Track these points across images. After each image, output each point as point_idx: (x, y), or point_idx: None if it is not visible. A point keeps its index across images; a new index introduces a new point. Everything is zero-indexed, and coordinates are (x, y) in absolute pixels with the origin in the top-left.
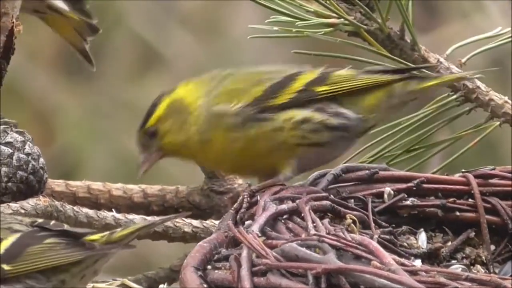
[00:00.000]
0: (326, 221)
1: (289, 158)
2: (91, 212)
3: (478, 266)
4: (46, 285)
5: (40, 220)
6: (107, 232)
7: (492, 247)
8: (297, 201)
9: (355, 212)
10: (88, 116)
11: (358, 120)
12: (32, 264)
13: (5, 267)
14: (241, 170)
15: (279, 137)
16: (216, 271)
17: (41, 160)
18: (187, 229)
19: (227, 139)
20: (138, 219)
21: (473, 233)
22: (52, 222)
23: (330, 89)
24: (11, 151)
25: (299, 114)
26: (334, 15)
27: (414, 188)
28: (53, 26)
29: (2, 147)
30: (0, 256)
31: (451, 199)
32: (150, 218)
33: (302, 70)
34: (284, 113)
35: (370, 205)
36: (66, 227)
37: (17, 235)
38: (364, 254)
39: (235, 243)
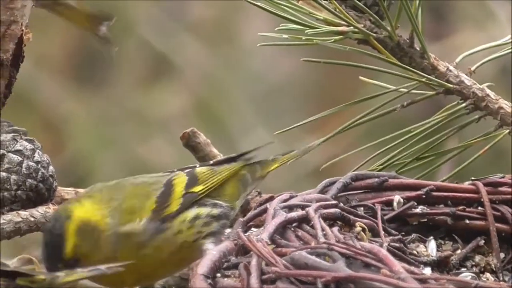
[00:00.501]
0: (335, 229)
1: (192, 254)
2: None
3: (488, 274)
4: None
5: None
6: (49, 276)
7: (502, 255)
8: (307, 208)
9: (364, 220)
10: (98, 124)
11: (228, 208)
12: None
13: None
14: (151, 277)
15: (179, 239)
16: (226, 279)
17: (51, 168)
18: None
19: (137, 254)
20: None
21: (483, 241)
22: None
23: (205, 187)
24: (20, 159)
25: (189, 213)
26: (344, 23)
27: (424, 196)
28: (66, 18)
29: (12, 155)
30: None
31: (460, 207)
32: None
33: (171, 175)
34: (178, 217)
35: (379, 213)
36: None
37: None
38: (373, 262)
39: (244, 251)
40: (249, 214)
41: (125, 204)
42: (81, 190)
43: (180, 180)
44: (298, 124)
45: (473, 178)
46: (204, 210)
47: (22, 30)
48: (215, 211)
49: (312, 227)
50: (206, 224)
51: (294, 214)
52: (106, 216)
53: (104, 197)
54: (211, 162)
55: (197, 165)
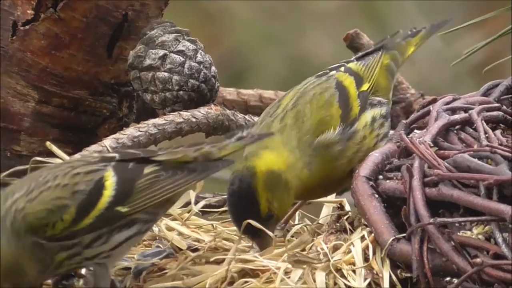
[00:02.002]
0: (498, 132)
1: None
2: None
3: None
4: (156, 218)
5: (108, 154)
6: (197, 151)
7: None
8: (470, 111)
9: None
10: (259, 17)
11: (388, 104)
12: (148, 199)
13: (122, 209)
14: (333, 190)
15: (365, 145)
16: (388, 181)
17: (213, 68)
18: None
19: (332, 164)
20: None
21: None
22: (121, 151)
23: (370, 85)
24: (182, 59)
25: (367, 116)
26: None
27: None
28: None
29: (174, 55)
30: (113, 198)
31: None
32: None
33: (334, 77)
34: (359, 120)
35: None
36: (140, 151)
37: (111, 173)
38: None
39: (407, 153)
40: (412, 116)
41: (313, 119)
42: (243, 91)
43: (349, 81)
44: (461, 26)
45: None
46: (376, 110)
47: None
48: (383, 110)
49: (475, 129)
50: (381, 125)
51: (457, 116)
52: (287, 156)
53: (284, 136)
54: (353, 58)
55: (344, 63)
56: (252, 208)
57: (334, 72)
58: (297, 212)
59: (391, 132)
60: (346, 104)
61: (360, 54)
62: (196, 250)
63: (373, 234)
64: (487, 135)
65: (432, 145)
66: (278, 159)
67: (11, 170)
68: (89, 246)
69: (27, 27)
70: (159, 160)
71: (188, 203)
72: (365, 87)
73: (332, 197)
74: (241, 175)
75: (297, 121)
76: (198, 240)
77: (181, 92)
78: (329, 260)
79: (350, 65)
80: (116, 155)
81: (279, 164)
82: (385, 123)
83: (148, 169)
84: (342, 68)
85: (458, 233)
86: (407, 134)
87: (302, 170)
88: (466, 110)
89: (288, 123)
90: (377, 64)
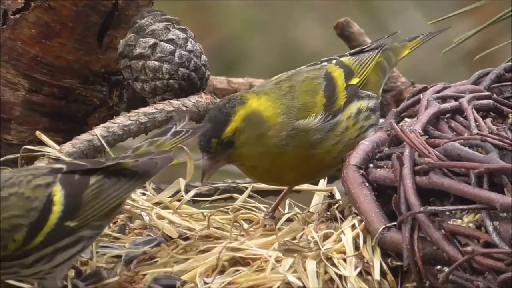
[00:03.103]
0: (488, 120)
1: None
2: None
3: None
4: (100, 232)
5: (56, 165)
6: (136, 151)
7: None
8: (460, 99)
9: None
10: (250, 6)
11: (377, 98)
12: (96, 210)
13: (71, 223)
14: (305, 178)
15: (346, 136)
16: (378, 169)
17: (203, 57)
18: None
19: (308, 151)
20: None
21: None
22: (65, 161)
23: (360, 79)
24: (173, 48)
25: (352, 107)
26: None
27: None
28: None
29: (164, 44)
30: (62, 213)
31: None
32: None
33: (325, 68)
34: (344, 111)
35: None
36: (88, 162)
37: (59, 187)
38: None
39: (397, 141)
40: (402, 105)
41: (299, 101)
42: (233, 79)
43: (338, 73)
44: (453, 13)
45: None
46: (363, 103)
47: None
48: (371, 103)
49: (465, 118)
50: (367, 117)
51: (447, 105)
52: (279, 115)
53: (279, 95)
54: (347, 53)
55: (337, 57)
56: (220, 124)
57: (325, 63)
58: (287, 201)
59: (382, 120)
60: (332, 94)
61: (355, 50)
62: (187, 238)
63: (363, 223)
64: (477, 123)
65: (422, 133)
66: (271, 109)
67: (1, 159)
68: (30, 266)
69: (17, 16)
70: (102, 167)
71: (178, 192)
72: (354, 81)
73: (322, 185)
74: (233, 98)
75: (290, 92)
76: (189, 229)
77: (171, 81)
78: (319, 249)
79: (343, 59)
80: (64, 166)
81: (269, 113)
82: (372, 116)
83: (93, 179)
84: (334, 61)
85: (449, 222)
86: (398, 122)
87: (280, 142)
88: (456, 98)
89: (283, 87)
90: (371, 62)
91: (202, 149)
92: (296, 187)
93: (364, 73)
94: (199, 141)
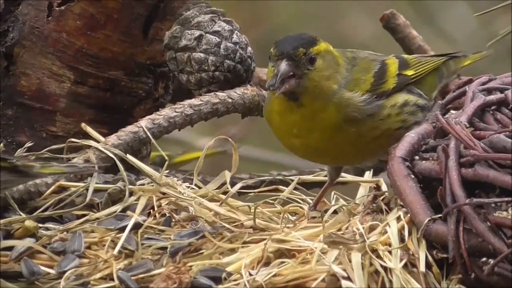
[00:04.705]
0: None
1: (388, 143)
2: None
3: None
4: None
5: None
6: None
7: None
8: (505, 91)
9: None
10: None
11: (428, 100)
12: None
13: None
14: (333, 154)
15: (384, 125)
16: (424, 161)
17: (249, 49)
18: None
19: (342, 125)
20: None
21: None
22: None
23: (416, 73)
24: (218, 40)
25: (399, 97)
26: None
27: None
28: None
29: (210, 36)
30: None
31: None
32: None
33: (383, 56)
34: (390, 98)
35: None
36: None
37: None
38: None
39: (443, 133)
40: (448, 97)
41: (353, 74)
42: None
43: (392, 61)
44: (498, 6)
45: None
46: (412, 98)
47: None
48: (421, 101)
49: (511, 110)
50: (413, 113)
51: (493, 97)
52: (343, 70)
53: (344, 57)
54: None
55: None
56: (308, 40)
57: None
58: (333, 193)
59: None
60: (381, 76)
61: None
62: (232, 230)
63: (409, 215)
64: None
65: (468, 125)
66: (339, 59)
67: (46, 149)
68: None
69: (62, 7)
70: None
71: (224, 184)
72: (408, 72)
73: (368, 177)
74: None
75: (351, 62)
76: (234, 221)
77: (217, 73)
78: (365, 241)
79: (405, 55)
80: None
81: (341, 61)
82: (419, 113)
83: None
84: (395, 55)
85: (494, 214)
86: (443, 114)
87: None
88: (502, 90)
89: (348, 55)
90: (432, 63)
91: (285, 55)
92: (341, 179)
93: (421, 69)
94: (282, 48)
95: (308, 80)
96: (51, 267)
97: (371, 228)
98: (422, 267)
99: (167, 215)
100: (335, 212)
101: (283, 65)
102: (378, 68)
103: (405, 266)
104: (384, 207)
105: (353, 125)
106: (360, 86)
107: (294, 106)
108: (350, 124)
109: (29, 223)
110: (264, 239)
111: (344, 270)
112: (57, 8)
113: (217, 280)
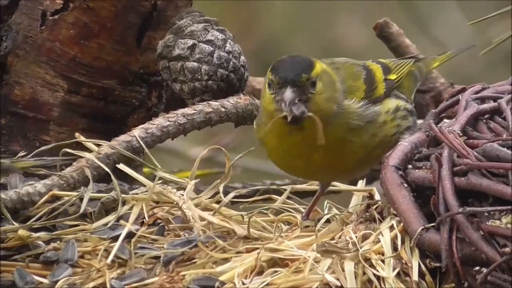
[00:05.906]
0: None
1: (385, 150)
2: None
3: None
4: None
5: None
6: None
7: None
8: (499, 100)
9: None
10: (290, 5)
11: (412, 103)
12: None
13: None
14: (335, 168)
15: (383, 131)
16: (417, 170)
17: (242, 58)
18: None
19: (345, 135)
20: None
21: None
22: None
23: (398, 76)
24: (212, 49)
25: (391, 103)
26: None
27: None
28: None
29: (203, 45)
30: None
31: None
32: None
33: (363, 62)
34: (383, 103)
35: None
36: None
37: None
38: None
39: (436, 142)
40: (441, 105)
41: (346, 83)
42: None
43: (376, 67)
44: (493, 14)
45: None
46: (401, 103)
47: None
48: (409, 105)
49: (504, 119)
50: (404, 117)
51: (486, 105)
52: (339, 83)
53: (333, 68)
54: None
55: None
56: (306, 64)
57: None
58: (325, 202)
59: (420, 121)
60: (371, 82)
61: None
62: (225, 239)
63: (402, 224)
64: None
65: (461, 134)
66: (334, 77)
67: (36, 150)
68: None
69: (56, 16)
70: None
71: (217, 193)
72: (392, 76)
73: (361, 186)
74: (301, 56)
75: (339, 72)
76: (227, 230)
77: (210, 82)
78: (358, 250)
79: (380, 59)
80: None
81: (335, 78)
82: (409, 117)
83: None
84: (370, 60)
85: (487, 223)
86: (436, 123)
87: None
88: (495, 99)
89: (334, 66)
90: (406, 66)
91: (289, 82)
92: (334, 187)
93: (401, 72)
94: (284, 76)
95: (313, 104)
96: (44, 276)
97: (364, 237)
98: (415, 276)
99: (160, 224)
100: (328, 221)
101: (288, 93)
102: (365, 74)
103: (398, 275)
104: (377, 216)
105: (355, 135)
106: (355, 94)
107: (293, 128)
108: (353, 133)
109: (22, 232)
110: (257, 248)
111: (337, 279)
112: (50, 17)
113: None
